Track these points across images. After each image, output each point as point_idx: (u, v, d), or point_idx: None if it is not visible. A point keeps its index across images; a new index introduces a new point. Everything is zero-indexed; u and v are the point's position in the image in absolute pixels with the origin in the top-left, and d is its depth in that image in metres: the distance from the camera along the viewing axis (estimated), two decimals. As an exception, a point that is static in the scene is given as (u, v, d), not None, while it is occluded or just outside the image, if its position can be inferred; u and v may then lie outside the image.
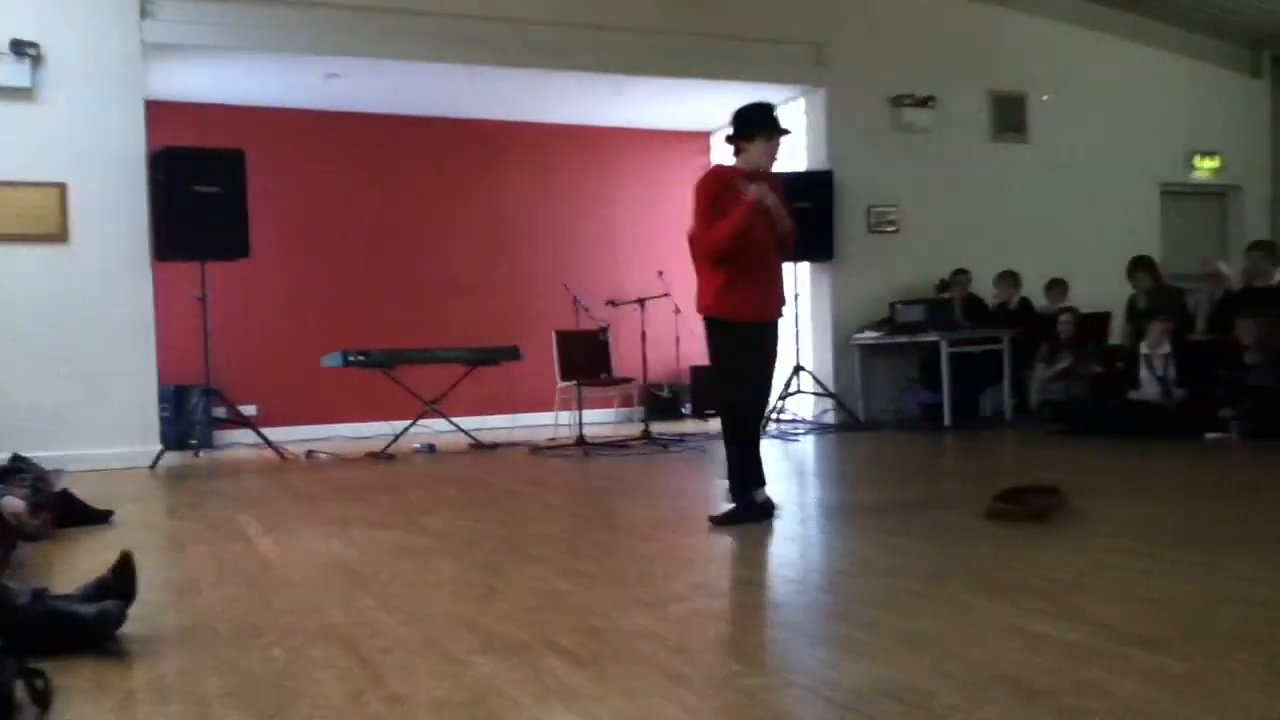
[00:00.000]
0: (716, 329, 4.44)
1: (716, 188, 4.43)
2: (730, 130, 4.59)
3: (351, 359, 7.97)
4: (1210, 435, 7.21)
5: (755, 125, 4.50)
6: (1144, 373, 7.89)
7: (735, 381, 4.46)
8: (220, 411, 8.49)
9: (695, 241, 4.51)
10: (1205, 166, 11.47)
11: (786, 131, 4.54)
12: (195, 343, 7.80)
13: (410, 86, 9.57)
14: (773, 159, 4.51)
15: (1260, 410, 7.01)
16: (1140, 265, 8.91)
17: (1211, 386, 7.56)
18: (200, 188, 7.55)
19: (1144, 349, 7.93)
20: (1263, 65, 11.68)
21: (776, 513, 4.50)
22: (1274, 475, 5.67)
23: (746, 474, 4.43)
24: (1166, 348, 7.82)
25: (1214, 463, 6.28)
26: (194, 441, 8.57)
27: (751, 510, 4.38)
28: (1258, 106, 11.73)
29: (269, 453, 7.99)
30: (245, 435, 8.57)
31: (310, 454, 8.07)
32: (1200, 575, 3.17)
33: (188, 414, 8.59)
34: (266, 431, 8.27)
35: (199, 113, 9.44)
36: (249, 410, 9.04)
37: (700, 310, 4.50)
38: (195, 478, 7.05)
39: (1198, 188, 11.62)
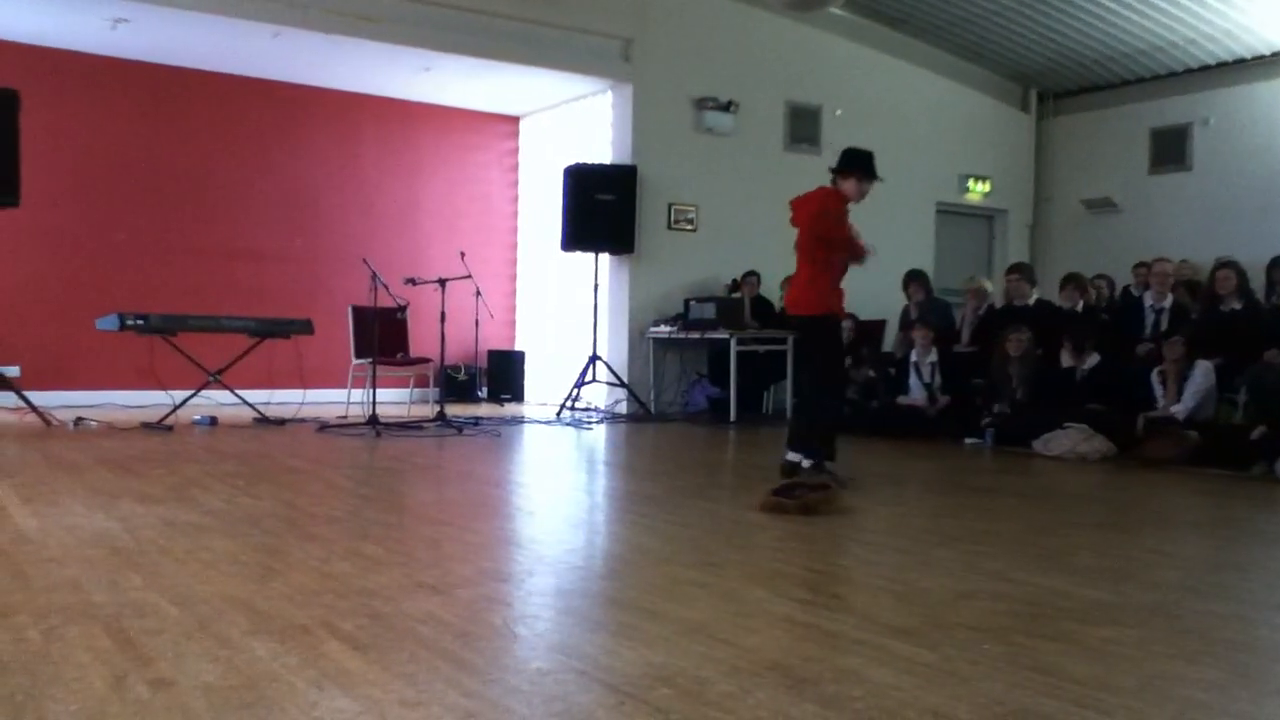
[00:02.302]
0: (822, 324, 5.43)
1: (843, 205, 5.49)
2: (837, 163, 5.55)
3: (129, 323, 7.50)
4: (968, 440, 7.80)
5: (856, 166, 5.45)
6: (912, 379, 8.43)
7: (836, 364, 5.63)
8: (-24, 371, 7.85)
9: (827, 238, 5.38)
10: (977, 190, 12.35)
11: (879, 179, 5.53)
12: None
13: (208, 40, 9.09)
14: (862, 196, 5.49)
15: (1010, 419, 7.63)
16: (914, 278, 9.49)
17: (971, 395, 8.17)
18: (-35, 127, 6.96)
19: (913, 357, 8.47)
20: (1030, 100, 12.68)
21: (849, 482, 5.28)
22: (1019, 480, 6.20)
23: (832, 442, 5.44)
24: (934, 356, 8.38)
25: (968, 466, 6.79)
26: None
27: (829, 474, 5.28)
28: (1024, 138, 12.71)
29: (32, 418, 7.45)
30: (5, 397, 7.95)
31: (79, 421, 7.58)
32: (951, 570, 3.44)
33: (-63, 372, 7.90)
34: (31, 395, 7.70)
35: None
36: (11, 371, 8.40)
37: (810, 310, 5.42)
38: (-60, 442, 6.50)
39: (969, 209, 12.49)
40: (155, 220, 9.78)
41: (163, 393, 7.94)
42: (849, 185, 5.43)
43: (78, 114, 9.43)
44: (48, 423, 7.45)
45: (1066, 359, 7.64)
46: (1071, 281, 8.63)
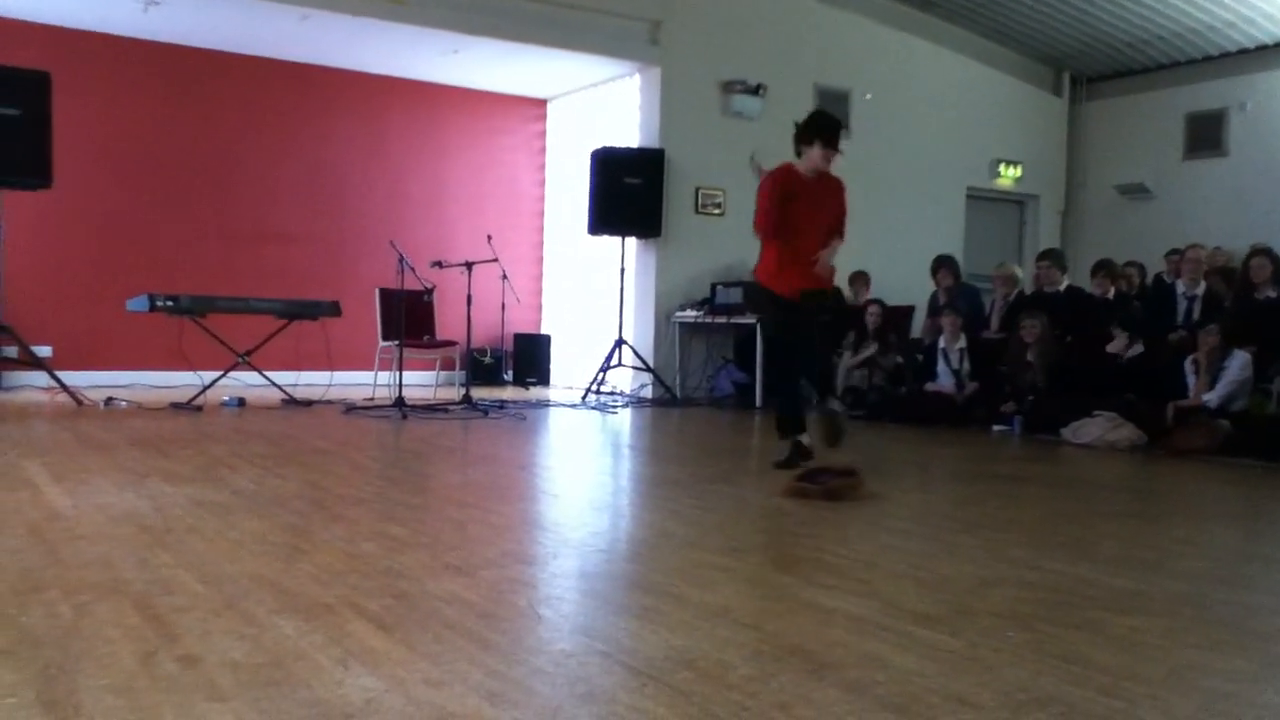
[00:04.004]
0: (766, 298, 5.34)
1: (786, 185, 5.18)
2: (795, 131, 5.24)
3: (159, 304, 7.57)
4: (996, 428, 7.75)
5: (816, 133, 5.11)
6: (940, 365, 8.38)
7: (779, 343, 5.38)
8: (10, 350, 7.95)
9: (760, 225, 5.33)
10: (1008, 175, 12.23)
11: (840, 152, 5.23)
12: (-15, 275, 7.29)
13: (236, 23, 9.14)
14: (828, 165, 5.17)
15: (1037, 407, 7.57)
16: (943, 264, 9.41)
17: (1000, 382, 8.11)
18: (-1, 108, 7.05)
19: (941, 343, 8.42)
20: (1063, 84, 12.53)
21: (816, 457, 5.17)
22: (1046, 468, 6.15)
23: (791, 421, 5.25)
24: (962, 343, 8.32)
25: (995, 453, 6.75)
26: (-24, 382, 8.02)
27: (799, 452, 5.15)
28: (1056, 122, 12.57)
29: (63, 397, 7.54)
30: (37, 377, 8.05)
31: (109, 401, 7.67)
32: (976, 557, 3.43)
33: (-30, 352, 8.01)
34: (62, 375, 7.80)
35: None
36: (43, 351, 8.50)
37: (759, 279, 5.42)
38: (-26, 421, 6.59)
39: (1000, 194, 12.37)
40: (185, 202, 9.86)
41: (192, 373, 8.02)
42: (813, 154, 5.13)
43: (108, 96, 9.50)
44: (79, 402, 7.54)
45: (1116, 346, 7.54)
46: (1103, 269, 8.55)
